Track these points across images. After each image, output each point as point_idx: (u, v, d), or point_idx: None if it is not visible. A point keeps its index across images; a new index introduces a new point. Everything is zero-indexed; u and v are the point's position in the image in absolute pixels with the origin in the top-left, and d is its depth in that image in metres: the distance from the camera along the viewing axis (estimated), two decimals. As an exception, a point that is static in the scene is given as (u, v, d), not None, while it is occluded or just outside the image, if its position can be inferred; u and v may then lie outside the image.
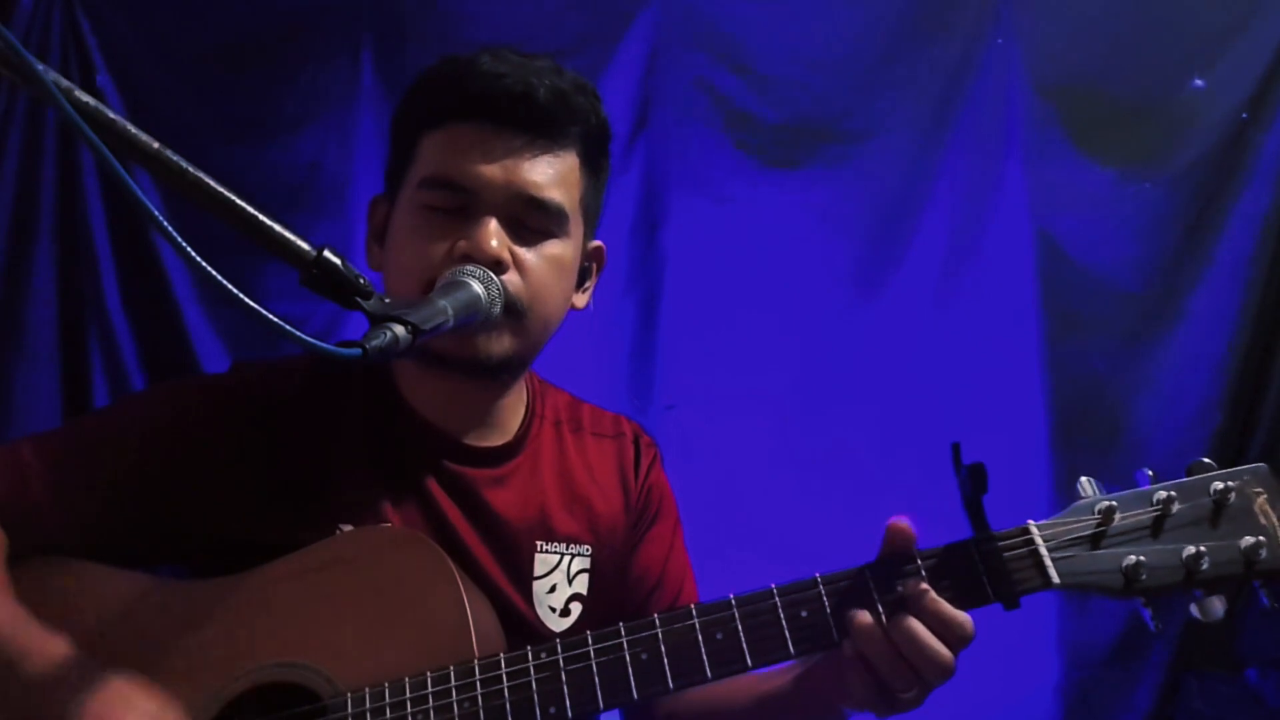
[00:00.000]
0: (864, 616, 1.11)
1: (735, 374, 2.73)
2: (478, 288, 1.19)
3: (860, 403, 2.72)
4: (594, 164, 1.38)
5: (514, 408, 1.44)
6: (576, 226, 1.37)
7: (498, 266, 1.26)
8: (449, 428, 1.38)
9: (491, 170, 1.28)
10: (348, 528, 1.30)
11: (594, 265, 1.48)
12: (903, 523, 1.16)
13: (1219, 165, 2.78)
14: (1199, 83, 2.79)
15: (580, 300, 1.45)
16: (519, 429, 1.43)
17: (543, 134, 1.30)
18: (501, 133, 1.28)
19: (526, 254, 1.30)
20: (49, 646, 1.16)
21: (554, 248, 1.33)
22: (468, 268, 1.23)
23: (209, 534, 1.30)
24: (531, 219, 1.30)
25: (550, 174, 1.31)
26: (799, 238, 2.78)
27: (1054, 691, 2.71)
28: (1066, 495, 2.88)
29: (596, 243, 1.47)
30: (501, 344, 1.29)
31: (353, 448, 1.35)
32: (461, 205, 1.29)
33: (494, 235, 1.26)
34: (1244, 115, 2.78)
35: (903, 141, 2.79)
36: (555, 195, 1.31)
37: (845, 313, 2.77)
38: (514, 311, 1.28)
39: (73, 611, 1.23)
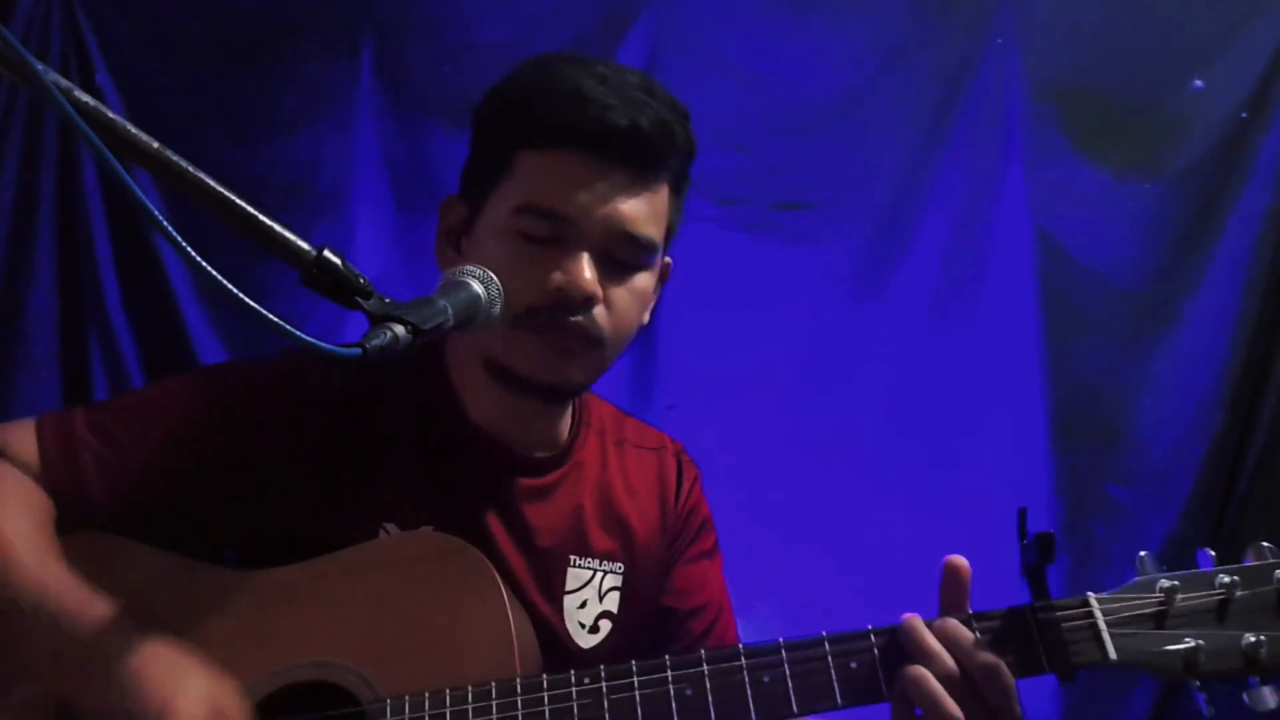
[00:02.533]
0: (937, 646, 1.09)
1: (735, 374, 2.73)
2: (478, 288, 1.19)
3: (860, 402, 2.72)
4: (680, 188, 1.38)
5: (564, 423, 1.45)
6: (660, 256, 1.37)
7: (589, 303, 1.26)
8: (501, 436, 1.38)
9: (593, 204, 1.26)
10: (391, 527, 1.30)
11: (659, 281, 1.47)
12: (960, 560, 1.14)
13: (1218, 166, 2.78)
14: (1198, 83, 2.79)
15: (645, 316, 1.43)
16: (565, 440, 1.44)
17: (646, 170, 1.29)
18: (606, 166, 1.27)
19: (616, 289, 1.30)
20: (99, 612, 1.17)
21: (641, 281, 1.34)
22: (468, 267, 1.23)
23: (253, 522, 1.30)
24: (624, 253, 1.30)
25: (647, 210, 1.30)
26: (799, 237, 2.78)
27: (1054, 691, 2.71)
28: (1067, 495, 2.88)
29: (666, 259, 1.46)
30: (583, 373, 1.32)
31: (401, 446, 1.35)
32: (556, 235, 1.27)
33: (588, 270, 1.26)
34: (1243, 115, 2.77)
35: (903, 141, 2.79)
36: (650, 231, 1.31)
37: (845, 313, 2.77)
38: (599, 344, 1.29)
39: (118, 588, 1.22)
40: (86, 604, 1.18)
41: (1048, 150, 2.77)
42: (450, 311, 1.12)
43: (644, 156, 1.28)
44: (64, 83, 0.88)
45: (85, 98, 0.89)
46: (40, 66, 0.84)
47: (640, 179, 1.29)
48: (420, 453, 1.35)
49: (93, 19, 2.63)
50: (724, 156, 2.77)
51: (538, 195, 1.27)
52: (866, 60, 2.78)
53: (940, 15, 2.79)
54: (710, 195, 2.76)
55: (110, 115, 0.91)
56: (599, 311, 1.28)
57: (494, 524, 1.35)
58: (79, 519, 1.27)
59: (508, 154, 1.31)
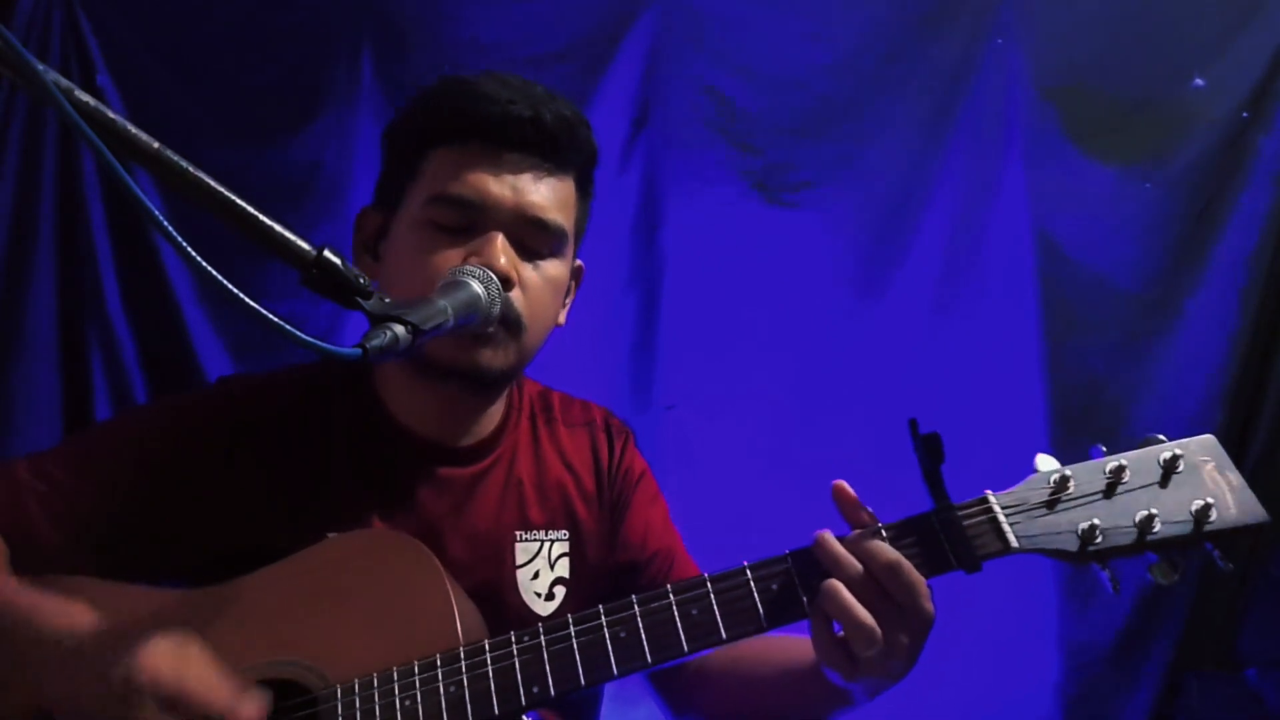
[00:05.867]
0: (844, 552, 1.14)
1: (735, 374, 2.73)
2: (478, 287, 1.20)
3: (860, 403, 2.72)
4: (586, 190, 1.44)
5: (495, 412, 1.48)
6: (569, 248, 1.41)
7: (506, 283, 1.28)
8: (430, 433, 1.41)
9: (500, 189, 1.31)
10: (335, 536, 1.32)
11: (573, 283, 1.51)
12: (841, 483, 1.21)
13: (1219, 165, 2.78)
14: (1199, 82, 2.79)
15: (561, 317, 1.48)
16: (496, 426, 1.47)
17: (549, 158, 1.34)
18: (510, 154, 1.32)
19: (529, 272, 1.34)
20: (62, 607, 1.19)
21: (552, 268, 1.37)
22: (467, 267, 1.24)
23: (201, 547, 1.33)
24: (534, 239, 1.34)
25: (553, 197, 1.35)
26: (799, 237, 2.78)
27: (1054, 691, 2.71)
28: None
29: (578, 262, 1.51)
30: (502, 358, 1.33)
31: (338, 458, 1.38)
32: (469, 223, 1.31)
33: (503, 251, 1.29)
34: (1244, 115, 2.78)
35: (903, 141, 2.79)
36: (558, 218, 1.35)
37: (845, 313, 2.77)
38: (515, 327, 1.32)
39: (73, 624, 1.23)
40: (46, 603, 1.20)
41: (1048, 149, 2.77)
42: (450, 311, 1.12)
43: (548, 146, 1.33)
44: (64, 83, 0.88)
45: (85, 98, 0.89)
46: (40, 66, 0.84)
47: (545, 168, 1.34)
48: (355, 462, 1.38)
49: (93, 19, 2.64)
50: (724, 156, 2.77)
51: (448, 185, 1.32)
52: (867, 60, 2.79)
53: (940, 15, 2.79)
54: (711, 195, 2.77)
55: (110, 115, 0.91)
56: (516, 295, 1.31)
57: (436, 516, 1.39)
58: (30, 563, 1.29)
59: (419, 155, 1.36)
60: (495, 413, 1.47)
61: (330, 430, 1.39)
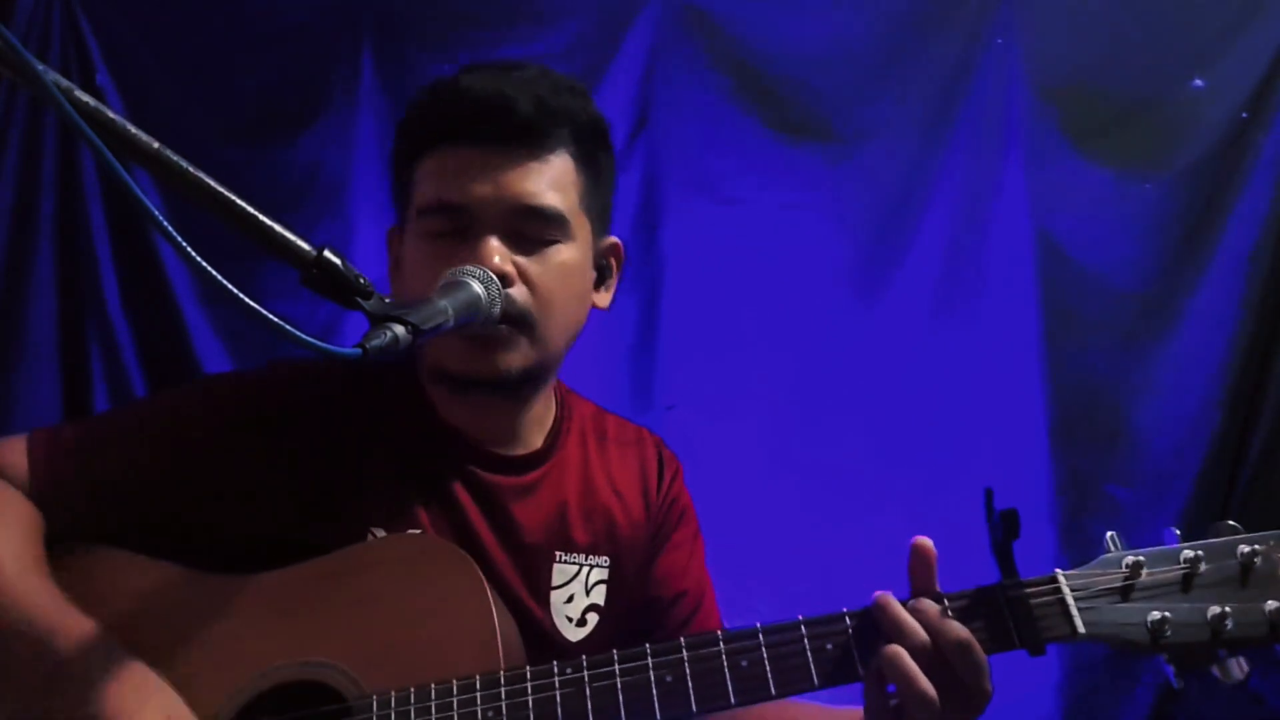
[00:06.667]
0: (911, 620, 1.11)
1: (735, 375, 2.73)
2: (478, 288, 1.20)
3: (860, 403, 2.72)
4: (591, 161, 1.38)
5: (541, 418, 1.45)
6: (581, 227, 1.37)
7: (505, 280, 1.26)
8: (477, 437, 1.39)
9: (482, 188, 1.29)
10: (380, 531, 1.31)
11: (613, 262, 1.47)
12: (926, 541, 1.16)
13: (1219, 165, 2.78)
14: (1199, 83, 2.79)
15: (602, 300, 1.45)
16: (546, 438, 1.44)
17: (526, 143, 1.31)
18: (489, 149, 1.30)
19: (530, 264, 1.31)
20: (79, 628, 1.18)
21: (559, 254, 1.33)
22: (467, 267, 1.23)
23: (236, 533, 1.31)
24: (530, 228, 1.31)
25: (542, 180, 1.31)
26: (799, 238, 2.78)
27: (1054, 691, 2.71)
28: (1067, 495, 2.87)
29: (611, 239, 1.46)
30: (519, 357, 1.31)
31: (384, 452, 1.36)
32: (460, 227, 1.30)
33: (495, 252, 1.27)
34: (1244, 115, 2.77)
35: (903, 141, 2.79)
36: (550, 201, 1.31)
37: (845, 313, 2.77)
38: (525, 324, 1.29)
39: (106, 597, 1.24)
40: (66, 616, 1.19)
41: (1048, 150, 2.77)
42: (450, 311, 1.12)
43: (522, 131, 1.30)
44: (64, 83, 0.88)
45: (85, 98, 0.89)
46: (40, 66, 0.84)
47: (527, 154, 1.30)
48: (403, 459, 1.36)
49: (93, 19, 2.64)
50: (724, 156, 2.77)
51: (432, 194, 1.31)
52: (867, 59, 2.79)
53: (940, 15, 2.79)
54: (711, 195, 2.77)
55: (110, 115, 0.91)
56: (517, 291, 1.28)
57: (479, 524, 1.36)
58: (67, 529, 1.29)
59: (409, 170, 1.36)
60: (543, 424, 1.45)
61: (376, 423, 1.37)
